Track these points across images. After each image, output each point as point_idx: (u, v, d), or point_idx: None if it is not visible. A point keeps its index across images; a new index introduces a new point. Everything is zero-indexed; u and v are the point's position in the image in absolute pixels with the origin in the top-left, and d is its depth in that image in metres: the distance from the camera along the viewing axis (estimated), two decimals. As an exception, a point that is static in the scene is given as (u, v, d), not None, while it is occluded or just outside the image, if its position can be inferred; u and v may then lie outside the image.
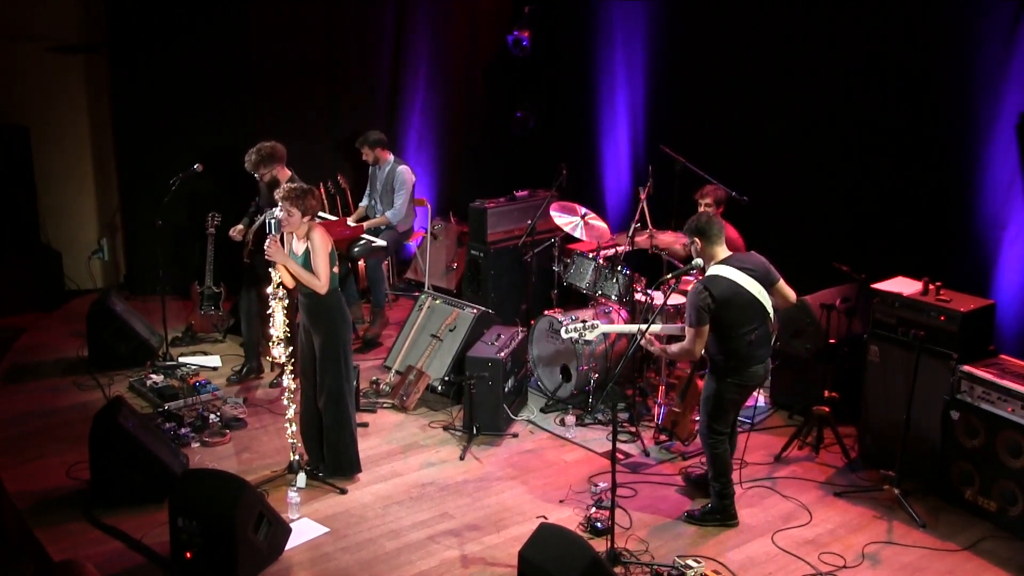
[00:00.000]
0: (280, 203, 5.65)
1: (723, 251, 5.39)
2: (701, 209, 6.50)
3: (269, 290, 5.77)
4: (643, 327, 5.54)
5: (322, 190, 5.91)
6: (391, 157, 8.37)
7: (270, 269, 5.74)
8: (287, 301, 5.79)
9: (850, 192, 7.34)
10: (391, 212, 8.22)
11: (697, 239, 5.38)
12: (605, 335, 7.00)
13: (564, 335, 6.01)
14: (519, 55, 9.88)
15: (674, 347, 5.44)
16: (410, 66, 9.73)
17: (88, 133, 9.09)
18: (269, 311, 5.80)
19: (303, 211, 5.64)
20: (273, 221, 5.65)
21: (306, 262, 5.68)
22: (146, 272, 8.82)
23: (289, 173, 7.13)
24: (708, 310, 5.20)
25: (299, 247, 5.73)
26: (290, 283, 5.76)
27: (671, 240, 7.23)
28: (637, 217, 7.07)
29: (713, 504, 5.67)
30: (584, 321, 5.95)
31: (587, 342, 6.34)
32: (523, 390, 7.18)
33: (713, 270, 5.31)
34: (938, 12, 6.72)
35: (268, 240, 5.62)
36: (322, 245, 5.65)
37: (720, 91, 8.21)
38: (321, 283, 5.64)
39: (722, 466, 5.59)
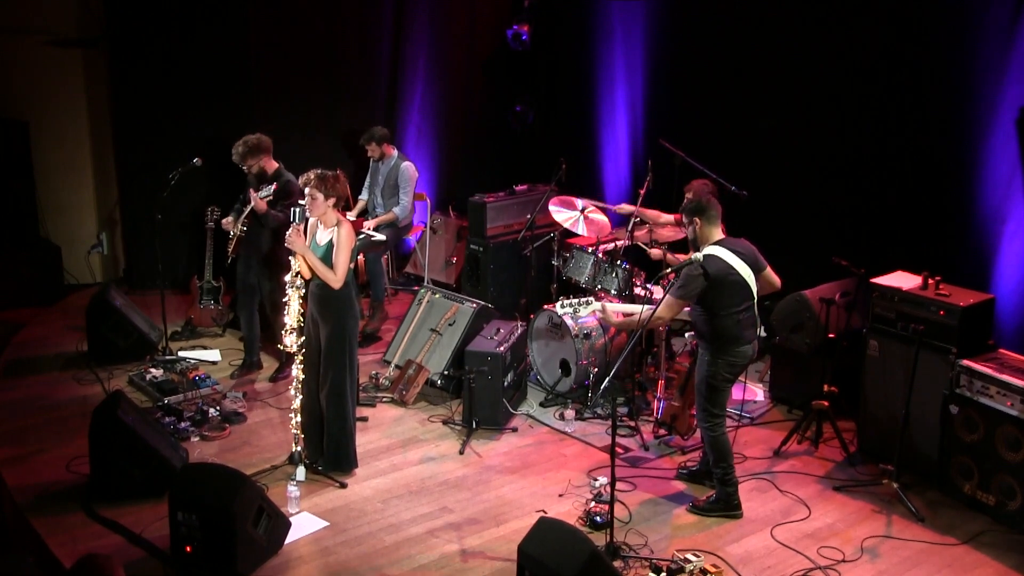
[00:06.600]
0: (305, 189, 5.69)
1: (718, 233, 5.54)
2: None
3: (287, 278, 5.79)
4: (644, 307, 5.69)
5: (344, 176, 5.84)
6: (395, 152, 8.37)
7: (290, 257, 5.77)
8: (304, 290, 5.80)
9: (849, 186, 7.33)
10: (398, 208, 8.23)
11: (697, 219, 5.51)
12: (605, 331, 7.04)
13: (559, 310, 6.06)
14: (518, 49, 9.86)
15: (642, 313, 5.50)
16: (409, 60, 9.72)
17: (87, 127, 9.08)
18: (285, 299, 5.81)
19: (326, 195, 5.68)
20: (298, 210, 5.67)
21: (326, 253, 5.71)
22: (145, 266, 8.79)
23: (276, 165, 7.10)
24: (699, 286, 5.32)
25: (323, 236, 5.76)
26: (307, 273, 5.77)
27: (668, 235, 7.23)
28: (636, 212, 7.07)
29: (717, 493, 5.69)
30: (580, 298, 6.01)
31: (576, 316, 6.34)
32: (522, 384, 7.18)
33: (709, 249, 5.43)
34: (938, 5, 6.71)
35: (291, 229, 5.66)
36: (347, 241, 5.70)
37: (719, 84, 8.20)
38: (336, 278, 5.68)
39: (721, 451, 5.62)
